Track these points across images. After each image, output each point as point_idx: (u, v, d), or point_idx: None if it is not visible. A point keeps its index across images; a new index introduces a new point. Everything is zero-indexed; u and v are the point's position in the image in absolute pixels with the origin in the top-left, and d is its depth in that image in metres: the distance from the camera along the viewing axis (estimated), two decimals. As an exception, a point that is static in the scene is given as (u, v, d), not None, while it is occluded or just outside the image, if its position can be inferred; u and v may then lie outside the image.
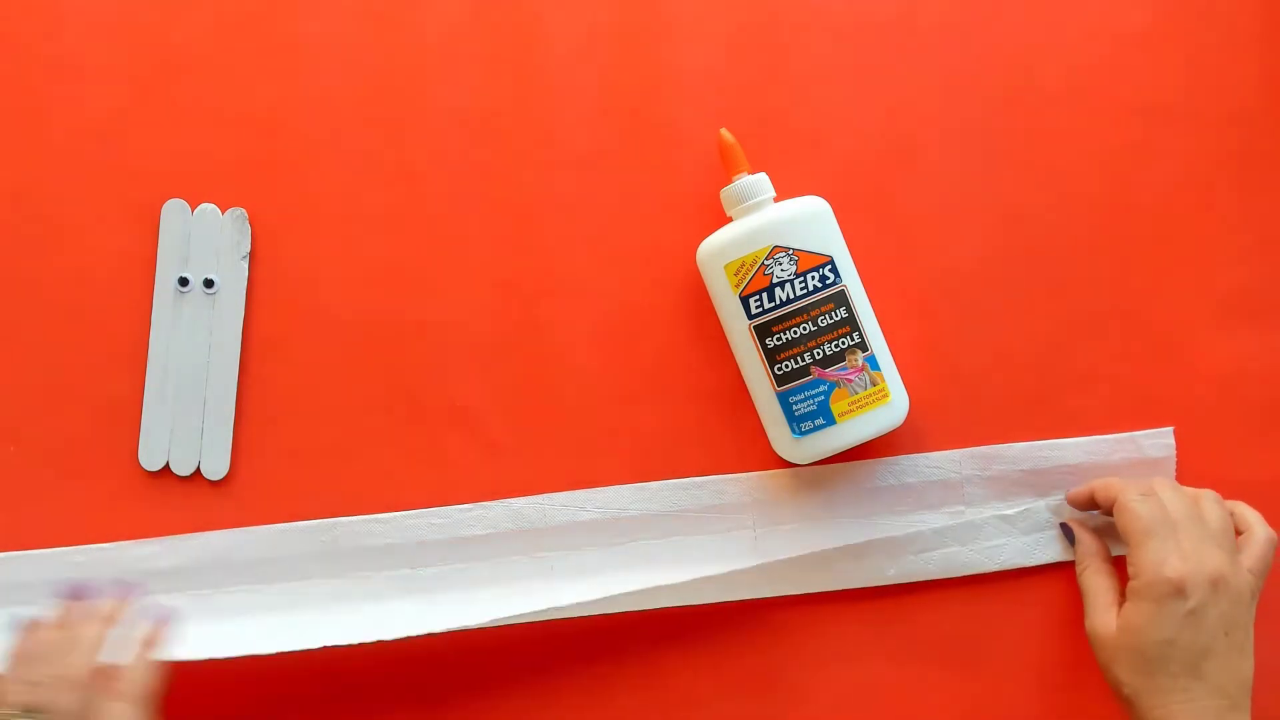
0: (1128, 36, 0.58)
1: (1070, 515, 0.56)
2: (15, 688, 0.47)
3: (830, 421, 0.53)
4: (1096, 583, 0.53)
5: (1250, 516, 0.53)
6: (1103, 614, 0.51)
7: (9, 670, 0.48)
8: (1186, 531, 0.50)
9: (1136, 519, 0.51)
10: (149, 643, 0.51)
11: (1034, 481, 0.56)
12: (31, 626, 0.50)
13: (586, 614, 0.54)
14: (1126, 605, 0.50)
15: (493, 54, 0.58)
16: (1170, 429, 0.56)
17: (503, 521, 0.56)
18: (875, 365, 0.53)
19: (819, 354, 0.53)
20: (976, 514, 0.56)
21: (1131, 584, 0.50)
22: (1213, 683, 0.48)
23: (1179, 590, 0.48)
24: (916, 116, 0.58)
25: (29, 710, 0.46)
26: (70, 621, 0.50)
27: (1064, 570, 0.56)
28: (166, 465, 0.56)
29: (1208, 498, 0.53)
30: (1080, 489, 0.55)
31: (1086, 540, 0.55)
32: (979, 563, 0.56)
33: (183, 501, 0.56)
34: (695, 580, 0.54)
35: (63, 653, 0.48)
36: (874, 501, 0.56)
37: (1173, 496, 0.52)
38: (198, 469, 0.56)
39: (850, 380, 0.53)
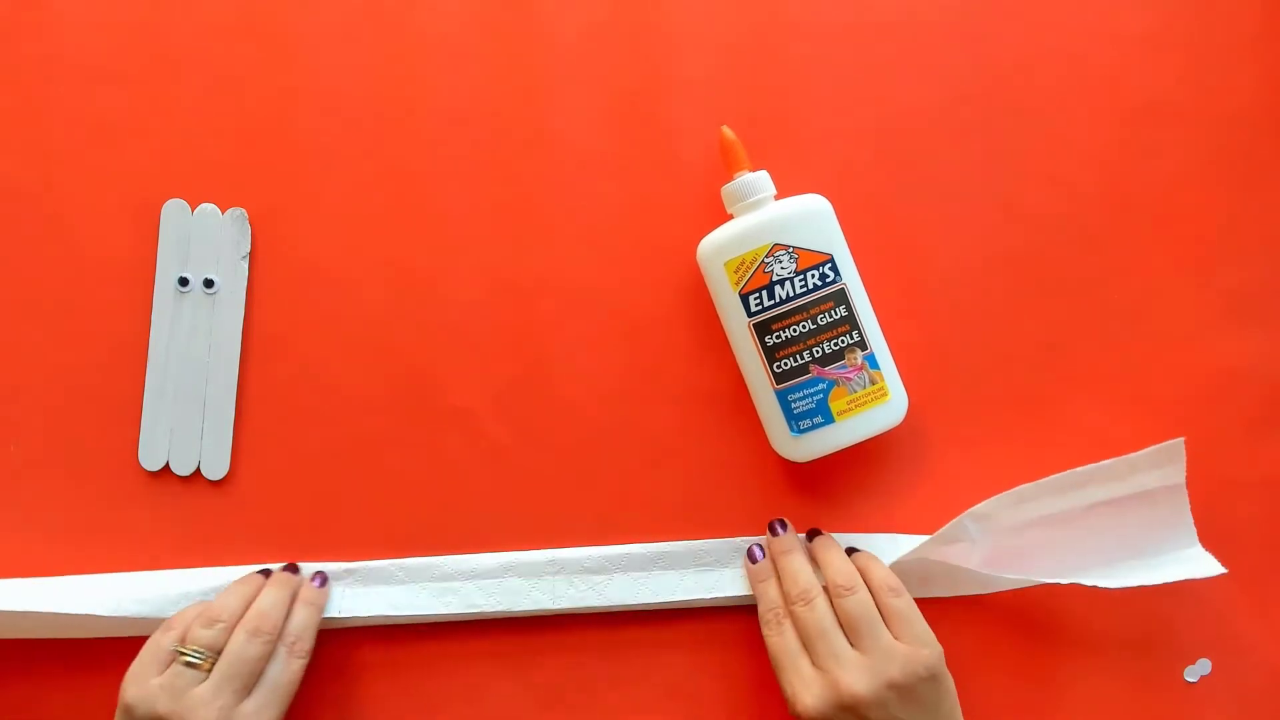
0: (1128, 36, 0.58)
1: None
2: (200, 632, 0.50)
3: (829, 420, 0.53)
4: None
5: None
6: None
7: (197, 617, 0.51)
8: (816, 650, 0.50)
9: (769, 650, 0.51)
10: (317, 606, 0.54)
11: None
12: (224, 590, 0.53)
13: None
14: None
15: (493, 54, 0.58)
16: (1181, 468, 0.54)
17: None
18: (874, 364, 0.53)
19: (818, 352, 0.53)
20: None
21: None
22: None
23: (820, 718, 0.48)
24: (916, 116, 0.58)
25: (205, 649, 0.50)
26: (253, 585, 0.53)
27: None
28: (166, 465, 0.56)
29: (858, 588, 0.51)
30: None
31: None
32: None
33: (183, 501, 0.56)
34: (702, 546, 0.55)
35: (245, 608, 0.52)
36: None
37: (806, 613, 0.51)
38: (198, 469, 0.56)
39: (849, 379, 0.53)
